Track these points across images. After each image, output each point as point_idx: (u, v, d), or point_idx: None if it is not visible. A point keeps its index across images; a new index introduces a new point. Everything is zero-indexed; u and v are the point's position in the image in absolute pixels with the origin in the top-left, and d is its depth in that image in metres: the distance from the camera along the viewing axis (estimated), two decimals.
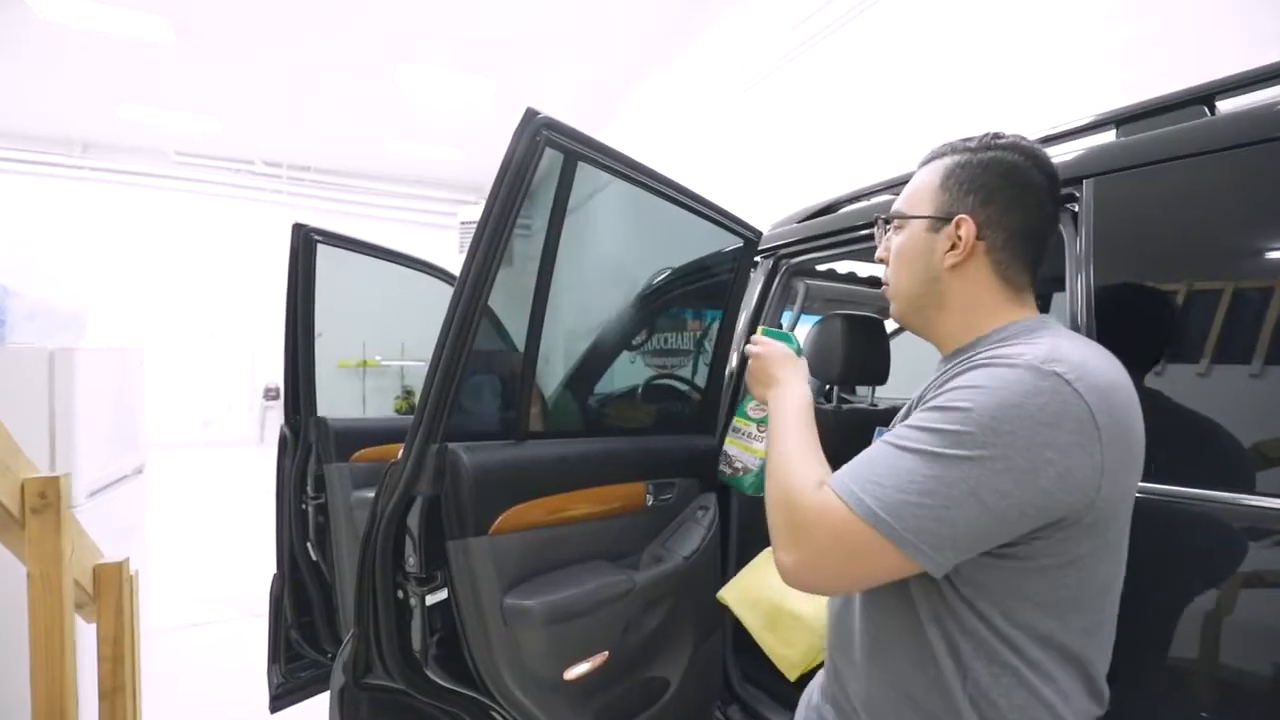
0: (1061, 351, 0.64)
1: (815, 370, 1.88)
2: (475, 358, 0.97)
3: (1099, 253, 0.96)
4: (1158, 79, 1.13)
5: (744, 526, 1.85)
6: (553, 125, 0.93)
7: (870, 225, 1.49)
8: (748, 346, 0.99)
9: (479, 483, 0.94)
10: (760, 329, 1.02)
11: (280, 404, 5.76)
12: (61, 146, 8.25)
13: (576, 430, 1.22)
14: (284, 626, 1.88)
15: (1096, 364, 0.65)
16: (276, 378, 8.30)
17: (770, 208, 1.76)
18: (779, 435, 0.81)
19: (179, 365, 8.66)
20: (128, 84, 6.79)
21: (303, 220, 1.80)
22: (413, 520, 0.93)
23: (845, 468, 0.69)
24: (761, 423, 1.04)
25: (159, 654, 2.64)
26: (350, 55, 6.15)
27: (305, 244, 1.71)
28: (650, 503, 1.34)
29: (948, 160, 0.80)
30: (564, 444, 1.14)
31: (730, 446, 1.21)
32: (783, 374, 0.92)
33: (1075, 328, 0.94)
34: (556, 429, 1.18)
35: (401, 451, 0.92)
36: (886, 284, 0.89)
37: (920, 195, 0.82)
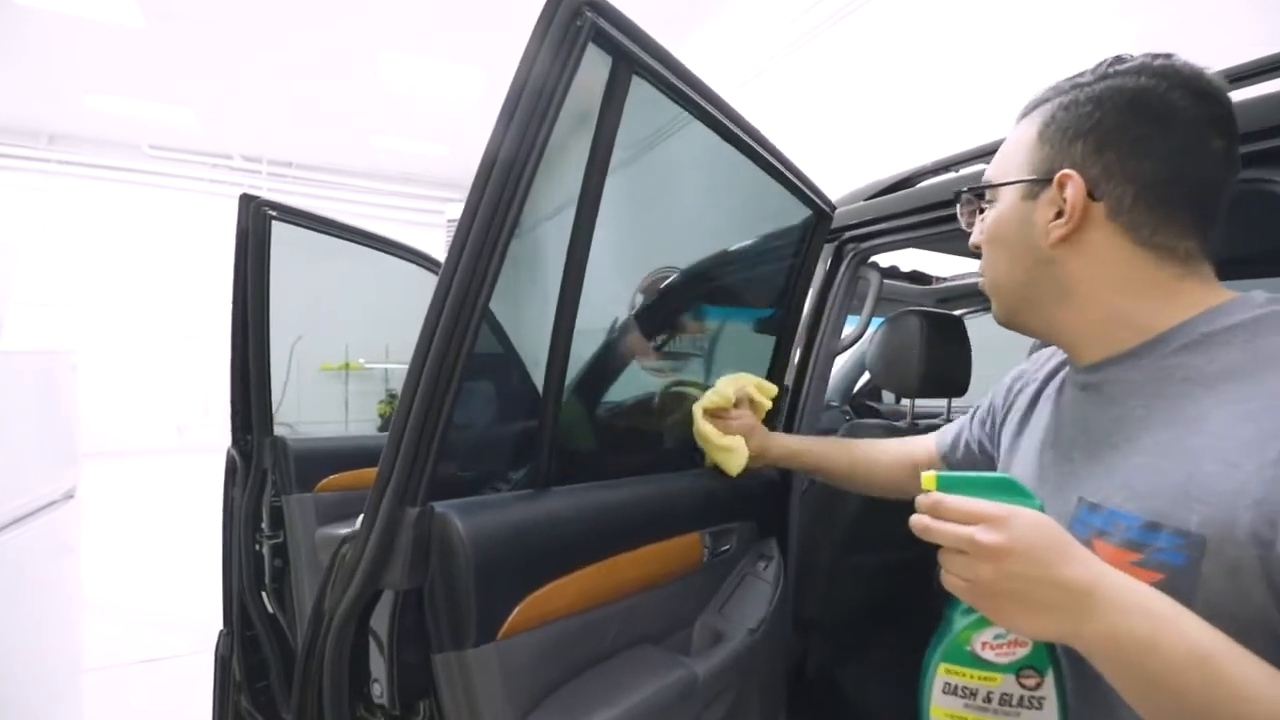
0: None
1: (885, 380, 1.56)
2: (474, 369, 0.63)
3: None
4: None
5: (804, 568, 1.53)
6: (599, 5, 0.60)
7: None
8: (942, 526, 0.51)
9: (484, 563, 0.60)
10: (929, 477, 0.53)
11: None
12: (27, 138, 7.78)
13: (616, 466, 0.88)
14: (232, 694, 1.53)
15: None
16: None
17: None
18: None
19: (152, 368, 8.27)
20: (94, 72, 6.36)
21: None
22: (379, 625, 0.59)
23: None
24: (1021, 669, 0.53)
25: (94, 700, 2.26)
26: (331, 41, 5.79)
27: (257, 221, 1.36)
28: (707, 559, 1.00)
29: (1049, 106, 0.61)
30: (602, 490, 0.80)
31: None
32: (1081, 573, 0.47)
33: None
34: (591, 468, 0.84)
35: (362, 518, 0.58)
36: (982, 278, 0.70)
37: (1013, 156, 0.64)
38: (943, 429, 0.98)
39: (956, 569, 0.50)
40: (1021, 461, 0.72)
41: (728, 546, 1.06)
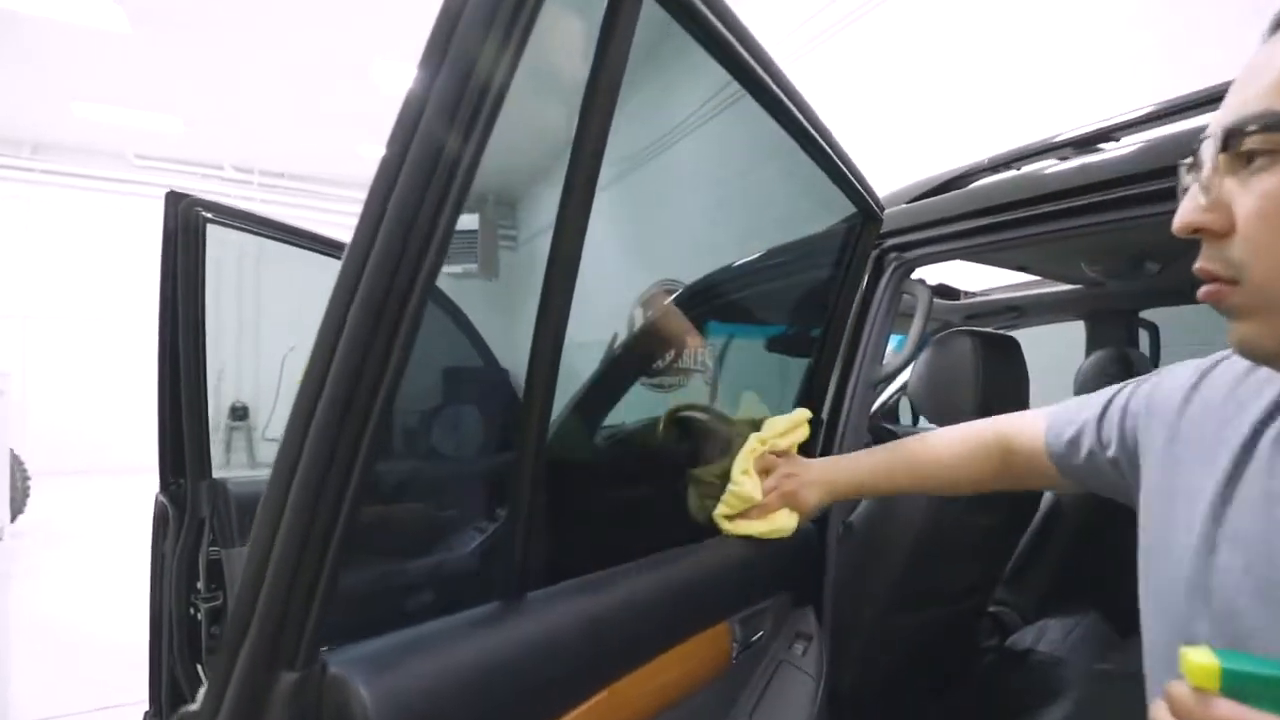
0: None
1: (931, 409, 1.35)
2: (404, 419, 0.41)
3: None
4: (1190, 78, 0.84)
5: (839, 631, 1.30)
6: None
7: (1042, 199, 0.97)
8: None
9: None
10: (1204, 668, 0.29)
11: (247, 424, 5.12)
12: (9, 147, 7.61)
13: (620, 545, 0.64)
14: None
15: None
16: (243, 396, 7.70)
17: None
18: None
19: (139, 384, 8.02)
20: (81, 79, 6.20)
21: None
22: None
23: None
24: None
25: None
26: (323, 49, 5.62)
27: (188, 223, 1.14)
28: (736, 653, 0.78)
29: None
30: (602, 590, 0.57)
31: None
32: None
33: None
34: (585, 551, 0.60)
35: (202, 695, 0.35)
36: (1219, 280, 0.41)
37: None
38: (1050, 413, 0.73)
39: None
40: (1242, 544, 0.44)
41: (760, 634, 0.83)
